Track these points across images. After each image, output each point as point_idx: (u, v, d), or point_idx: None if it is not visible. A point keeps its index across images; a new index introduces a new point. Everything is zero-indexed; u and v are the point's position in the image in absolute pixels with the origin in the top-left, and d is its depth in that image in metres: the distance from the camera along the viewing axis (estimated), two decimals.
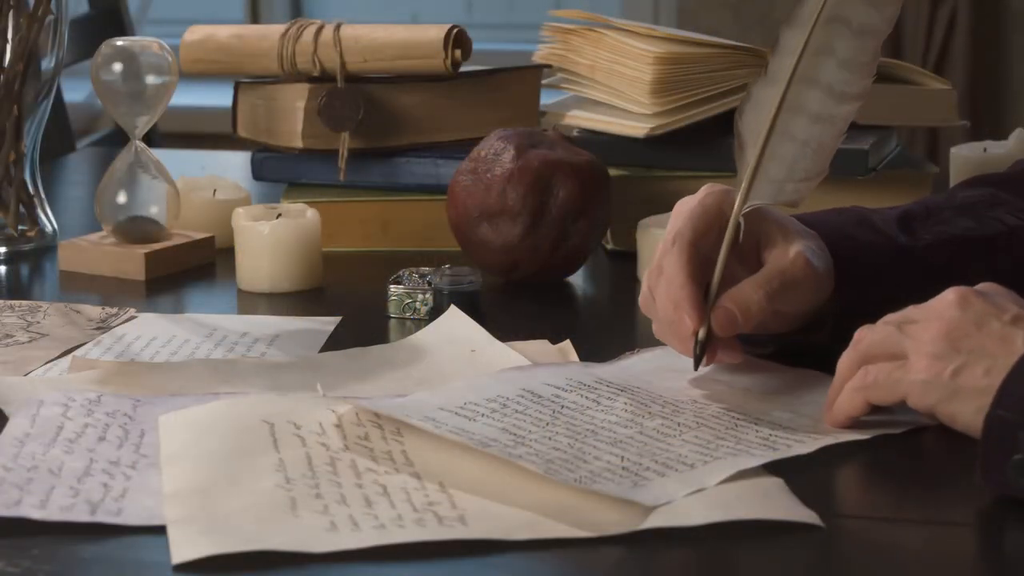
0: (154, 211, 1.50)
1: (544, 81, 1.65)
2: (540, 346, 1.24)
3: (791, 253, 1.15)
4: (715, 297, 1.13)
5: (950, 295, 1.04)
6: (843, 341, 1.10)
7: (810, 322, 1.19)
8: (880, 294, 1.15)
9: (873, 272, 1.19)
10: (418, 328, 1.29)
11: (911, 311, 1.06)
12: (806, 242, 1.16)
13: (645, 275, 1.17)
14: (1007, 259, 1.22)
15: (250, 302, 1.41)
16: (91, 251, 1.49)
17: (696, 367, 1.13)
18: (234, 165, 1.93)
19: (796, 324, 1.18)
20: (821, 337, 1.19)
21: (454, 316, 1.29)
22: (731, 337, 1.13)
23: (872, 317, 1.09)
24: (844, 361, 1.08)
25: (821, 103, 1.16)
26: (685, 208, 1.16)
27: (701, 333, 1.12)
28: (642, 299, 1.17)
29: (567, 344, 1.24)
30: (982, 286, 1.06)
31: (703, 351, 1.12)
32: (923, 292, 1.08)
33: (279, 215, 1.44)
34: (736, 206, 1.15)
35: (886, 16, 1.17)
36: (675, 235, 1.14)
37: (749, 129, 1.16)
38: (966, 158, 1.66)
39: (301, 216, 1.44)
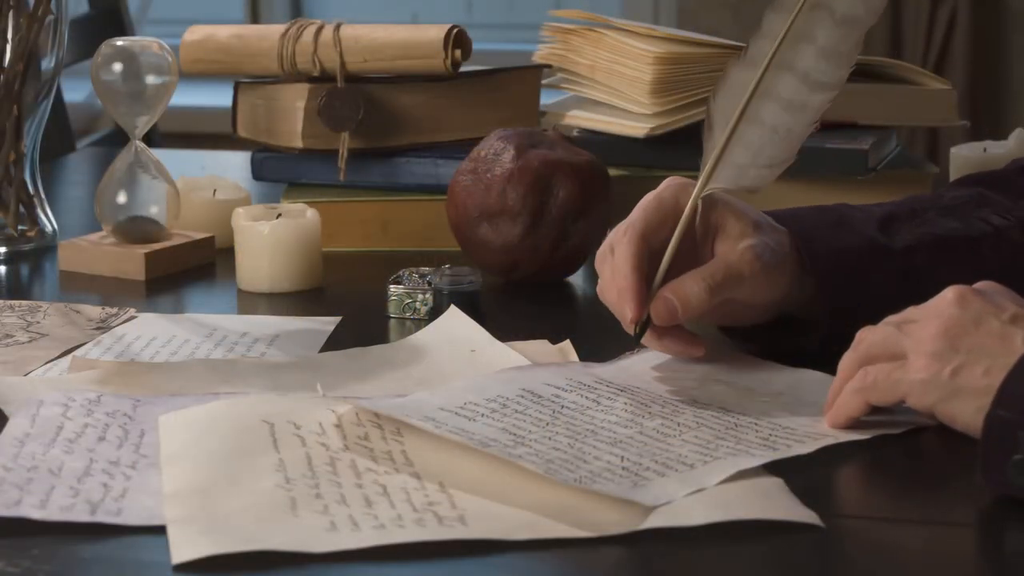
0: (154, 211, 1.50)
1: (544, 81, 1.65)
2: (540, 346, 1.24)
3: (740, 247, 1.16)
4: (659, 285, 1.15)
5: (949, 294, 1.04)
6: (834, 343, 1.10)
7: (789, 317, 1.19)
8: (859, 295, 1.15)
9: (849, 272, 1.19)
10: (418, 328, 1.29)
11: (911, 311, 1.06)
12: (761, 237, 1.16)
13: (599, 252, 1.19)
14: (993, 260, 1.22)
15: (250, 302, 1.41)
16: (91, 251, 1.49)
17: (634, 348, 1.16)
18: (234, 165, 1.93)
19: (769, 315, 1.19)
20: (811, 340, 1.19)
21: (454, 316, 1.29)
22: (685, 331, 1.16)
23: (858, 319, 1.09)
24: (844, 362, 1.08)
25: (795, 90, 1.16)
26: (644, 201, 1.18)
27: (640, 322, 1.14)
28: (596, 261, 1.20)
29: (567, 344, 1.24)
30: (981, 285, 1.06)
31: (641, 335, 1.14)
32: (905, 294, 1.08)
33: (279, 215, 1.44)
34: (696, 188, 1.16)
35: (871, 7, 1.17)
36: (628, 226, 1.16)
37: (720, 112, 1.17)
38: (966, 158, 1.66)
39: (301, 216, 1.44)
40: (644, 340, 1.15)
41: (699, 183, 1.16)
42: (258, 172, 1.61)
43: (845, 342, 1.09)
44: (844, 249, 1.19)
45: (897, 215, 1.24)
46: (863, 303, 1.14)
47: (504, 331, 1.25)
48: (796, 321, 1.21)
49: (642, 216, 1.16)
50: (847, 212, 1.23)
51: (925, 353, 1.03)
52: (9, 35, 1.53)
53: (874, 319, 1.08)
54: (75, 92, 2.95)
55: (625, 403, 1.11)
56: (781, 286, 1.17)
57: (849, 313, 1.14)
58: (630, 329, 1.15)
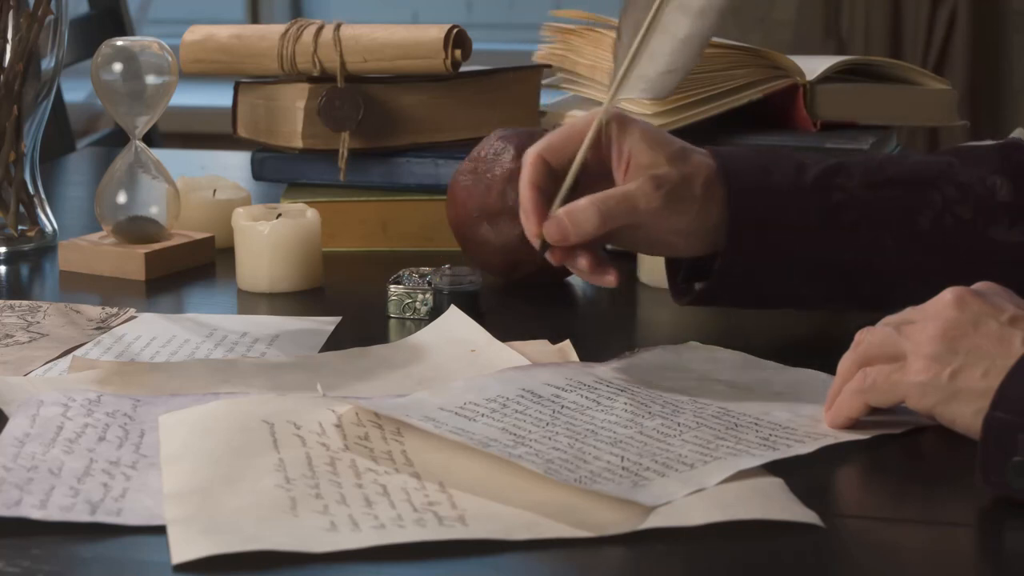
0: (154, 211, 1.50)
1: (544, 81, 1.65)
2: (540, 346, 1.24)
3: (642, 173, 1.18)
4: (561, 203, 1.18)
5: (947, 295, 1.04)
6: (749, 282, 1.15)
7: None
8: (769, 244, 1.16)
9: (768, 216, 1.20)
10: (418, 328, 1.29)
11: (909, 312, 1.06)
12: (669, 166, 1.18)
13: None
14: (932, 233, 1.21)
15: (250, 302, 1.41)
16: (91, 251, 1.49)
17: (540, 259, 1.19)
18: (234, 165, 1.93)
19: (679, 245, 1.20)
20: (715, 264, 1.21)
21: (454, 316, 1.29)
22: (597, 254, 1.18)
23: (767, 240, 1.13)
24: (844, 362, 1.08)
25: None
26: (560, 126, 1.22)
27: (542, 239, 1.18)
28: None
29: (567, 344, 1.24)
30: (979, 285, 1.06)
31: (544, 249, 1.18)
32: (819, 236, 1.12)
33: (279, 215, 1.44)
34: (606, 101, 1.19)
35: None
36: (533, 146, 1.20)
37: (627, 24, 1.19)
38: None
39: (301, 216, 1.44)
40: (554, 257, 1.18)
41: (608, 97, 1.19)
42: (258, 172, 1.61)
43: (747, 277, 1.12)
44: (768, 190, 1.20)
45: (844, 169, 1.23)
46: (771, 218, 1.15)
47: (504, 331, 1.25)
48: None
49: (549, 137, 1.20)
50: (793, 157, 1.24)
51: (924, 355, 1.03)
52: (9, 35, 1.53)
53: (786, 242, 1.09)
54: (75, 92, 2.95)
55: (625, 403, 1.11)
56: (684, 217, 1.19)
57: (757, 228, 1.15)
58: (535, 243, 1.18)
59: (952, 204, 1.22)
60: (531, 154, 1.20)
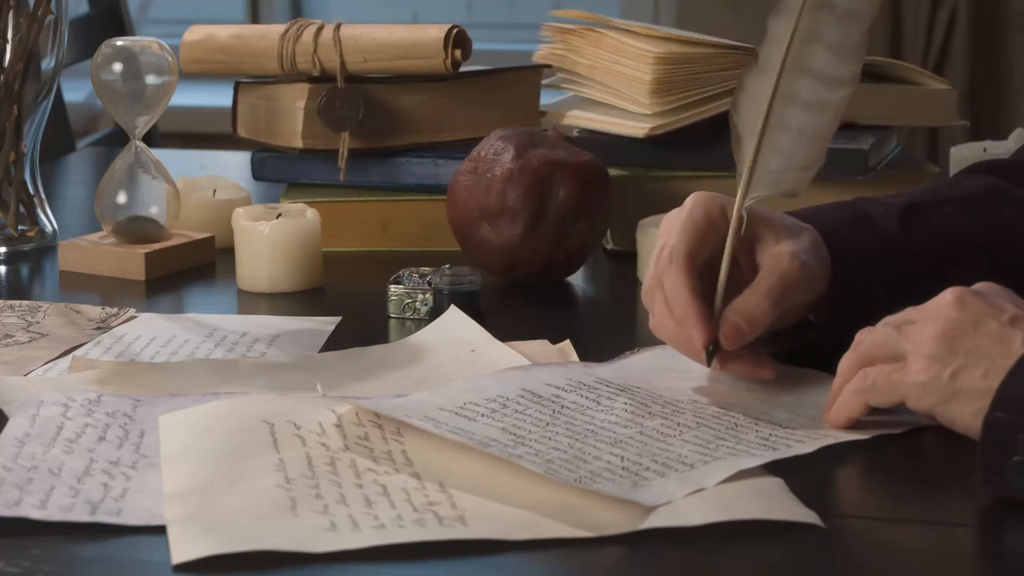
0: (154, 211, 1.50)
1: (544, 81, 1.65)
2: (540, 346, 1.24)
3: (787, 255, 1.15)
4: (721, 306, 1.13)
5: (947, 295, 1.04)
6: (841, 342, 1.10)
7: (804, 320, 1.19)
8: (876, 293, 1.15)
9: (868, 270, 1.19)
10: (418, 328, 1.29)
11: (910, 312, 1.06)
12: (798, 241, 1.16)
13: (644, 287, 1.17)
14: (1007, 256, 1.22)
15: (250, 302, 1.41)
16: (91, 251, 1.49)
17: (707, 367, 1.13)
18: (234, 165, 1.93)
19: (793, 319, 1.18)
20: (814, 334, 1.19)
21: (454, 316, 1.29)
22: (751, 353, 1.14)
23: (869, 317, 1.09)
24: (844, 363, 1.08)
25: (813, 90, 1.16)
26: (676, 222, 1.16)
27: (711, 345, 1.13)
28: (645, 294, 1.17)
29: (567, 344, 1.24)
30: (979, 286, 1.06)
31: (711, 359, 1.13)
32: (920, 290, 1.08)
33: (279, 215, 1.44)
34: (737, 200, 1.15)
35: (871, 0, 1.17)
36: (671, 251, 1.15)
37: (745, 121, 1.16)
38: (966, 158, 1.66)
39: (301, 216, 1.44)
40: (720, 362, 1.13)
41: (739, 195, 1.15)
42: (258, 172, 1.61)
43: (845, 342, 1.09)
44: (865, 247, 1.19)
45: (917, 207, 1.23)
46: (881, 299, 1.14)
47: (504, 331, 1.25)
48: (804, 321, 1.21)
49: (683, 239, 1.14)
50: (865, 208, 1.23)
51: (924, 355, 1.03)
52: (9, 35, 1.53)
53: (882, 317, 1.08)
54: (75, 92, 2.95)
55: (625, 403, 1.11)
56: (822, 286, 1.17)
57: (866, 309, 1.13)
58: (699, 357, 1.13)
59: (1014, 225, 1.24)
60: (680, 260, 1.14)
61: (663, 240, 1.16)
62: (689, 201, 1.17)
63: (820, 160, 1.17)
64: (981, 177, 1.30)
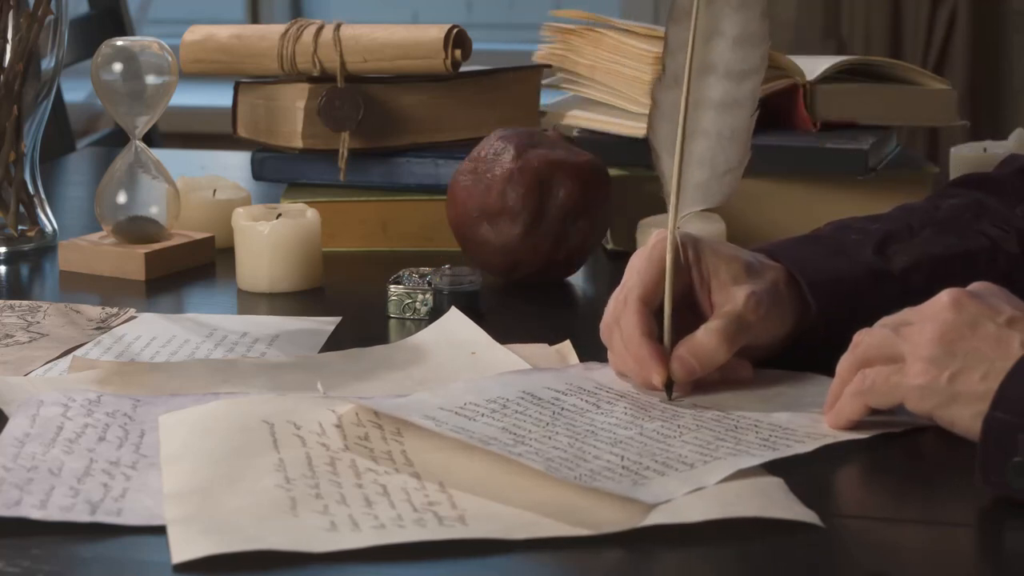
0: (154, 211, 1.50)
1: (544, 81, 1.65)
2: (539, 348, 1.24)
3: (741, 295, 1.14)
4: (670, 341, 1.14)
5: (944, 297, 1.04)
6: (840, 343, 1.10)
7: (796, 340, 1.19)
8: (858, 322, 1.14)
9: (851, 301, 1.18)
10: (418, 328, 1.29)
11: (907, 313, 1.06)
12: (758, 281, 1.15)
13: (603, 324, 1.17)
14: (990, 274, 1.21)
15: (250, 302, 1.41)
16: (91, 251, 1.49)
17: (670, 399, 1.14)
18: (234, 165, 1.93)
19: (780, 350, 1.18)
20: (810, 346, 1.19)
21: (454, 318, 1.29)
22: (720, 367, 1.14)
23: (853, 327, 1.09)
24: (843, 364, 1.08)
25: (723, 89, 1.14)
26: (637, 262, 1.16)
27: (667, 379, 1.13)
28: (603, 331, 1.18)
29: (567, 345, 1.24)
30: (976, 286, 1.06)
31: (670, 393, 1.13)
32: (898, 304, 1.08)
33: (279, 215, 1.44)
34: (669, 223, 1.14)
35: None
36: (627, 292, 1.15)
37: (662, 140, 1.15)
38: (966, 158, 1.66)
39: (301, 216, 1.44)
40: (682, 392, 1.14)
41: (670, 217, 1.15)
42: (258, 172, 1.61)
43: (843, 343, 1.09)
44: (842, 279, 1.18)
45: (894, 234, 1.22)
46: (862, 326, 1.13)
47: (504, 331, 1.25)
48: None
49: (638, 280, 1.15)
50: (841, 237, 1.22)
51: (922, 358, 1.02)
52: (9, 35, 1.53)
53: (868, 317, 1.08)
54: (75, 92, 2.95)
55: (625, 407, 1.11)
56: (786, 324, 1.17)
57: (848, 336, 1.13)
58: (658, 388, 1.14)
59: (999, 242, 1.23)
60: (633, 303, 1.14)
61: (624, 279, 1.17)
62: (652, 239, 1.17)
63: (745, 158, 1.15)
64: (963, 194, 1.29)
